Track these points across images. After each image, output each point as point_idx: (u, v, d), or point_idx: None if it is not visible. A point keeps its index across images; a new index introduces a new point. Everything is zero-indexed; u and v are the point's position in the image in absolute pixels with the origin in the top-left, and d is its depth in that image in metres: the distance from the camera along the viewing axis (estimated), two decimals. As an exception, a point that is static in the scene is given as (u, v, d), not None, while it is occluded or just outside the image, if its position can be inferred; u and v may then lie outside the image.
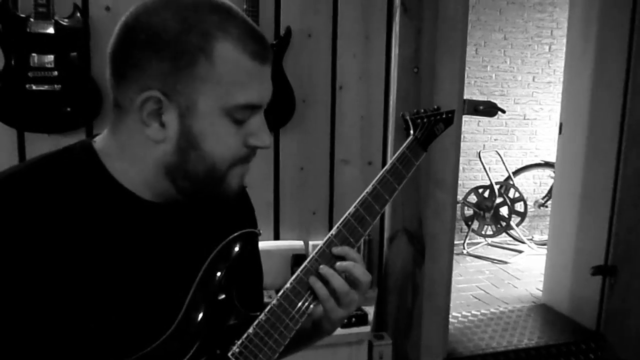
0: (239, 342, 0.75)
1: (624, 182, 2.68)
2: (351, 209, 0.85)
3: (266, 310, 0.77)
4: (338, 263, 0.81)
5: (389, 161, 0.91)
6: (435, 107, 1.01)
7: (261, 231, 0.83)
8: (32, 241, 0.67)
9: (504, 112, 2.59)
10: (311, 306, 0.80)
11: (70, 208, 0.70)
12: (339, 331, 1.96)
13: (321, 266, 0.80)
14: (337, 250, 0.81)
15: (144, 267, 0.75)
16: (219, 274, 0.76)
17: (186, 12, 0.68)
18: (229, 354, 0.75)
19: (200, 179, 0.73)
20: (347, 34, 2.20)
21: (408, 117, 0.97)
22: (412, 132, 0.95)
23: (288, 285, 0.79)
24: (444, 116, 0.99)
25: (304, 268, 0.80)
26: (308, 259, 0.81)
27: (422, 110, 0.98)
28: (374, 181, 0.87)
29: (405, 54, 2.21)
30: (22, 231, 0.67)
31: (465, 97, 2.41)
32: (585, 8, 2.97)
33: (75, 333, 0.69)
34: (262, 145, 0.75)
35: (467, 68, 2.42)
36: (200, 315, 0.74)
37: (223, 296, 0.76)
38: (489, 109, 2.39)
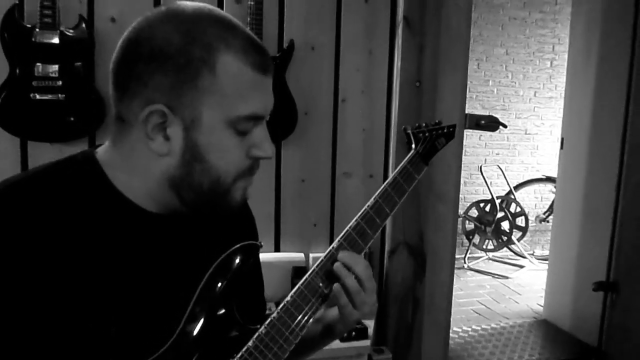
0: (239, 355, 0.75)
1: (625, 198, 2.68)
2: (352, 223, 0.85)
3: (266, 323, 0.77)
4: (341, 254, 0.81)
5: (391, 175, 0.91)
6: (437, 121, 1.01)
7: (262, 243, 0.83)
8: (34, 251, 0.67)
9: (505, 126, 2.59)
10: (311, 320, 0.80)
11: (73, 218, 0.70)
12: (339, 345, 1.97)
13: (336, 264, 0.80)
14: (342, 256, 0.82)
15: (145, 278, 0.74)
16: (219, 286, 0.76)
17: (188, 24, 0.69)
18: (229, 367, 0.74)
19: (205, 192, 0.73)
20: (350, 48, 2.21)
21: (410, 131, 0.97)
22: (413, 146, 0.95)
23: (289, 298, 0.79)
24: (445, 130, 1.00)
25: (305, 281, 0.80)
26: (309, 272, 0.81)
27: (424, 125, 0.98)
28: (375, 195, 0.87)
29: (408, 68, 2.22)
30: (23, 241, 0.67)
31: (467, 112, 2.42)
32: (586, 24, 2.99)
33: (75, 344, 0.68)
34: (265, 156, 0.75)
35: (469, 83, 2.43)
36: (200, 327, 0.74)
37: (223, 309, 0.76)
38: (491, 124, 2.40)
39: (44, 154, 1.84)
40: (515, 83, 4.93)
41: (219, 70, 0.69)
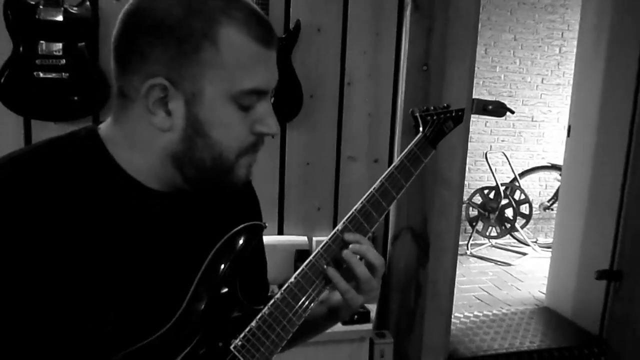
0: (242, 336, 0.75)
1: (631, 187, 2.66)
2: (358, 205, 0.84)
3: (270, 304, 0.76)
4: (352, 245, 0.80)
5: (397, 158, 0.90)
6: (445, 104, 1.00)
7: (267, 224, 0.82)
8: (32, 227, 0.66)
9: (512, 112, 2.57)
10: (315, 302, 0.79)
11: (73, 194, 0.69)
12: (341, 328, 1.97)
13: (344, 251, 0.79)
14: (349, 236, 0.81)
15: (148, 256, 0.74)
16: (222, 266, 0.75)
17: None
18: (231, 347, 0.74)
19: (208, 168, 0.72)
20: (357, 30, 2.18)
21: (418, 114, 0.96)
22: (421, 129, 0.94)
23: (292, 279, 0.78)
24: (453, 114, 0.98)
25: (309, 262, 0.79)
26: (313, 254, 0.80)
27: (432, 108, 0.97)
28: (381, 177, 0.86)
29: (415, 51, 2.19)
30: (22, 215, 0.66)
31: (474, 97, 2.40)
32: (597, 10, 2.94)
33: (77, 321, 0.68)
34: (269, 132, 0.74)
35: (476, 68, 2.40)
36: (203, 307, 0.74)
37: (226, 289, 0.75)
38: (498, 109, 2.38)
39: (47, 132, 1.81)
40: (523, 69, 4.88)
41: (221, 43, 0.67)
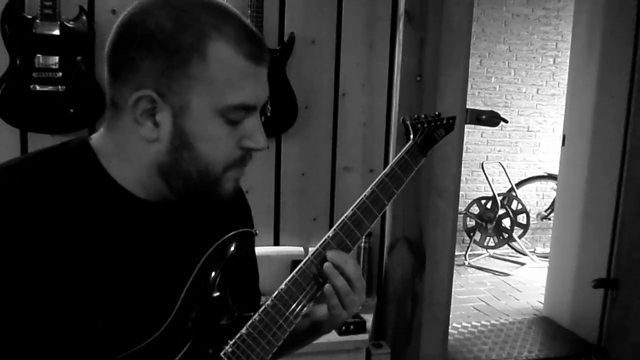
0: (232, 342, 0.75)
1: (627, 195, 2.67)
2: (348, 212, 0.84)
3: (260, 310, 0.77)
4: (330, 256, 0.79)
5: (388, 165, 0.90)
6: (437, 113, 1.01)
7: (257, 232, 0.82)
8: (22, 236, 0.67)
9: (506, 122, 2.58)
10: (305, 308, 0.80)
11: (64, 204, 0.70)
12: (337, 338, 1.96)
13: (325, 264, 0.79)
14: (330, 253, 0.80)
15: (138, 265, 0.74)
16: (213, 273, 0.76)
17: (181, 11, 0.69)
18: (221, 354, 0.74)
19: (194, 180, 0.73)
20: (351, 42, 2.21)
21: (408, 122, 0.96)
22: (412, 136, 0.95)
23: (283, 286, 0.79)
24: (444, 122, 0.99)
25: (299, 269, 0.80)
26: (304, 261, 0.81)
27: (423, 116, 0.98)
28: (372, 185, 0.87)
29: (409, 62, 2.21)
30: (11, 224, 0.67)
31: (467, 107, 2.41)
32: (589, 21, 2.98)
33: (66, 329, 0.68)
34: (257, 147, 0.74)
35: (471, 79, 2.43)
36: (194, 314, 0.74)
37: (217, 295, 0.75)
38: (492, 119, 2.39)
39: (44, 145, 1.80)
40: (518, 80, 4.91)
41: (210, 58, 0.68)
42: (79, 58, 1.85)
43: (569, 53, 3.39)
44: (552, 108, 5.01)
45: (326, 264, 0.79)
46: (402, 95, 2.22)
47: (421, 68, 2.22)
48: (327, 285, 0.80)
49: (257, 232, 0.83)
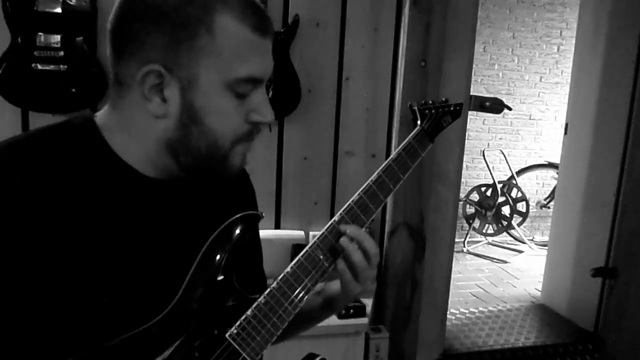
0: (237, 324, 0.75)
1: (628, 185, 2.67)
2: (355, 197, 0.84)
3: (265, 293, 0.77)
4: (349, 230, 0.80)
5: (395, 151, 0.90)
6: (444, 99, 1.00)
7: (263, 214, 0.82)
8: (30, 211, 0.66)
9: (510, 109, 2.58)
10: (311, 292, 0.80)
11: (69, 180, 0.69)
12: (337, 322, 1.98)
13: (342, 239, 0.80)
14: (345, 226, 0.81)
15: (144, 243, 0.74)
16: (219, 255, 0.75)
17: None
18: (226, 335, 0.74)
19: (203, 155, 0.72)
20: (356, 25, 2.18)
21: (416, 108, 0.96)
22: (419, 122, 0.94)
23: (288, 269, 0.79)
24: (452, 108, 0.99)
25: (305, 253, 0.80)
26: (310, 244, 0.80)
27: (431, 102, 0.97)
28: (379, 170, 0.87)
29: (414, 47, 2.19)
30: (17, 201, 0.66)
31: (471, 94, 2.40)
32: (595, 9, 2.95)
33: (70, 308, 0.68)
34: (264, 120, 0.74)
35: (474, 66, 2.41)
36: (199, 295, 0.74)
37: (222, 277, 0.75)
38: (495, 106, 2.38)
39: (45, 124, 1.83)
40: (522, 67, 4.88)
41: (217, 31, 0.67)
42: (81, 37, 1.83)
43: (573, 41, 3.36)
44: (554, 96, 4.99)
45: (343, 239, 0.80)
46: (406, 80, 2.20)
47: (426, 53, 2.20)
48: (339, 261, 0.80)
49: (263, 214, 0.82)
